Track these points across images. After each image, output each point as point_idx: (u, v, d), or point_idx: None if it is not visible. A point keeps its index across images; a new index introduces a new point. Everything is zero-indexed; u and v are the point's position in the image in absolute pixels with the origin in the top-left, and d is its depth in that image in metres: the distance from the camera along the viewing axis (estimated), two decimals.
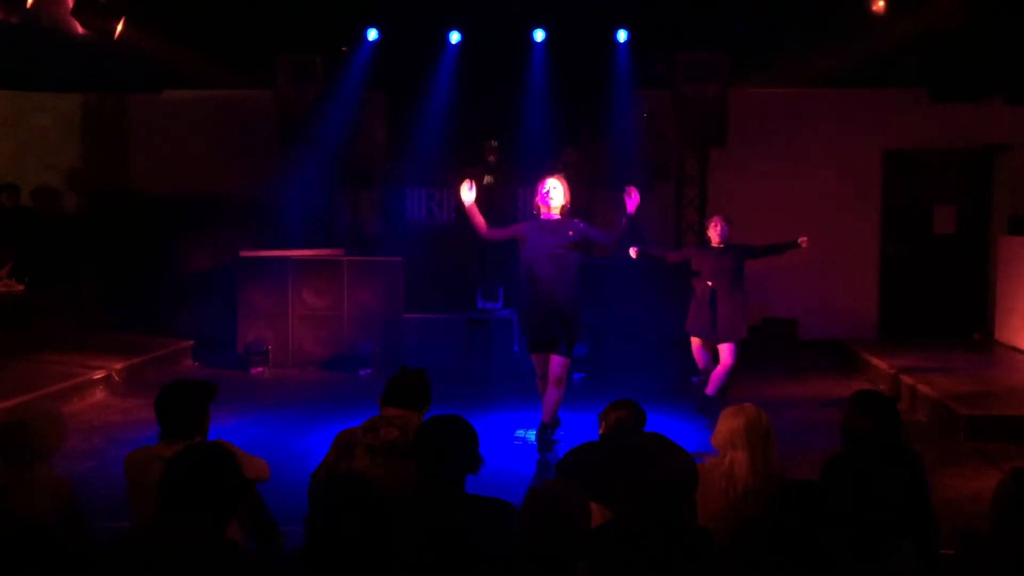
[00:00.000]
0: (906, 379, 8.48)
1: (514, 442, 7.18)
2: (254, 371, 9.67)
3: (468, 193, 6.60)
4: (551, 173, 6.88)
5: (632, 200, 6.50)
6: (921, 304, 11.19)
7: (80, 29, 8.67)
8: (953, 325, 10.92)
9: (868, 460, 3.85)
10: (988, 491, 3.47)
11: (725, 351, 7.63)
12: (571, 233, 6.58)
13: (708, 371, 7.80)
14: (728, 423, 3.92)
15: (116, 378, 8.83)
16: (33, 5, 8.00)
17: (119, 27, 8.89)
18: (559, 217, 6.65)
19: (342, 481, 2.96)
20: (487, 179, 11.00)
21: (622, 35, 10.34)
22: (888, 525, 3.50)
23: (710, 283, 7.70)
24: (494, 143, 10.88)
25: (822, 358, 9.69)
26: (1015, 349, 9.91)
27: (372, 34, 10.50)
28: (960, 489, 5.94)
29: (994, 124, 10.88)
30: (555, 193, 6.63)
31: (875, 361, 9.39)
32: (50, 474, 3.80)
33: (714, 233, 7.85)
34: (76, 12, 8.51)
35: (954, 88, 10.56)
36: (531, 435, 7.34)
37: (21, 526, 2.85)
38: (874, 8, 8.47)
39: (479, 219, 6.67)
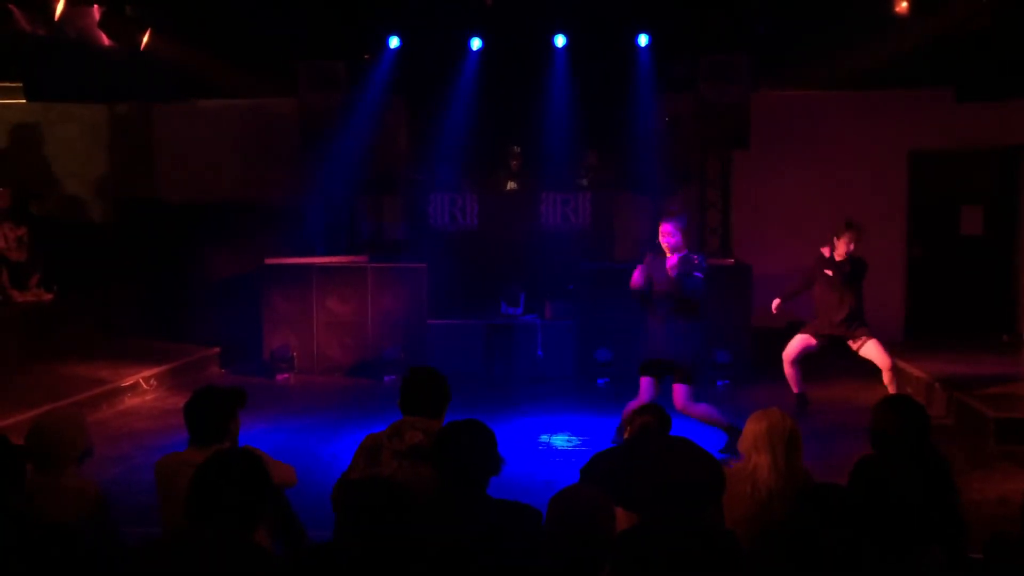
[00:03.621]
0: (933, 381, 8.41)
1: (538, 447, 7.18)
2: (280, 377, 9.73)
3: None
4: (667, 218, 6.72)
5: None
6: (948, 305, 11.08)
7: (106, 40, 8.78)
8: (981, 326, 10.81)
9: (896, 464, 3.83)
10: (1017, 494, 3.45)
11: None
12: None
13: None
14: (752, 427, 3.92)
15: (144, 385, 8.92)
16: (60, 17, 8.10)
17: (145, 38, 9.00)
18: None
19: (370, 486, 2.98)
20: (510, 184, 11.02)
21: (643, 39, 10.35)
22: (916, 529, 3.48)
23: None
24: (516, 148, 10.90)
25: (848, 360, 9.59)
26: None
27: (394, 41, 10.56)
28: (988, 492, 5.89)
29: (1020, 124, 10.76)
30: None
31: (902, 363, 9.29)
32: (80, 479, 3.84)
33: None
34: (103, 24, 8.63)
35: (979, 88, 10.46)
36: (555, 440, 7.35)
37: (52, 530, 2.90)
38: (897, 9, 8.43)
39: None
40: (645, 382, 6.69)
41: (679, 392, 6.58)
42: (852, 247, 7.74)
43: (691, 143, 10.73)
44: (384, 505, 2.84)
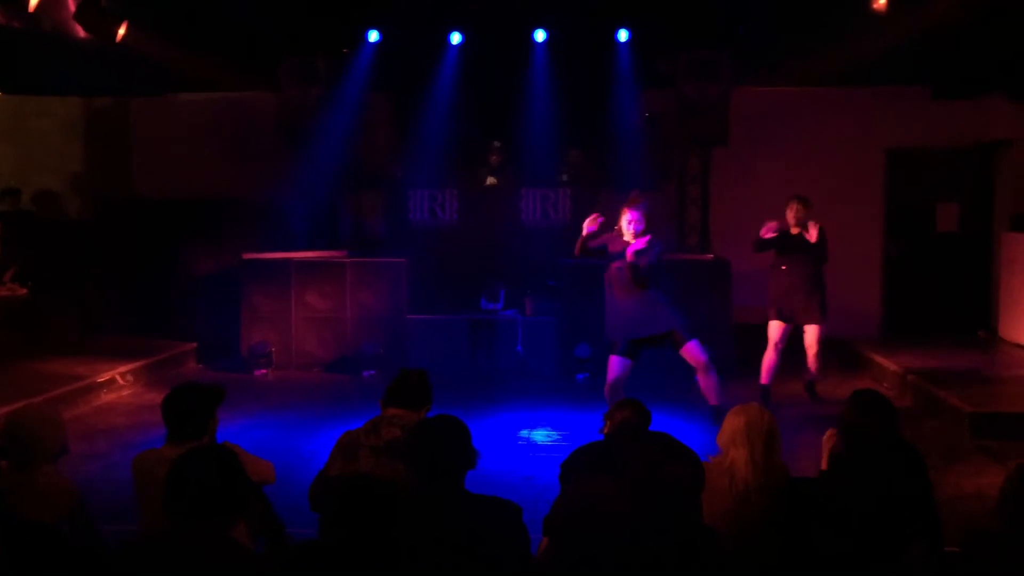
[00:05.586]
0: (910, 377, 8.48)
1: (518, 442, 7.18)
2: (258, 373, 9.68)
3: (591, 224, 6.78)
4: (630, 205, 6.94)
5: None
6: (925, 302, 11.18)
7: (82, 33, 8.69)
8: (957, 323, 10.91)
9: (868, 458, 3.87)
10: (993, 488, 3.47)
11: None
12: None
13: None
14: (730, 422, 3.94)
15: (120, 381, 8.85)
16: (35, 9, 8.01)
17: (121, 31, 8.92)
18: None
19: (353, 484, 2.96)
20: (490, 180, 11.01)
21: (623, 35, 10.36)
22: (891, 522, 3.51)
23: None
24: (497, 144, 10.89)
25: (826, 357, 9.69)
26: (1019, 346, 9.90)
27: (373, 35, 10.52)
28: (965, 486, 5.94)
29: (995, 121, 10.87)
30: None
31: (879, 359, 9.39)
32: (56, 477, 3.80)
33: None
34: (78, 16, 8.54)
35: (955, 85, 10.56)
36: (535, 435, 7.36)
37: (33, 527, 2.87)
38: (875, 6, 8.48)
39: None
40: (622, 363, 6.88)
41: (696, 347, 6.83)
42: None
43: (671, 139, 10.76)
44: (367, 502, 2.82)
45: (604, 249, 6.87)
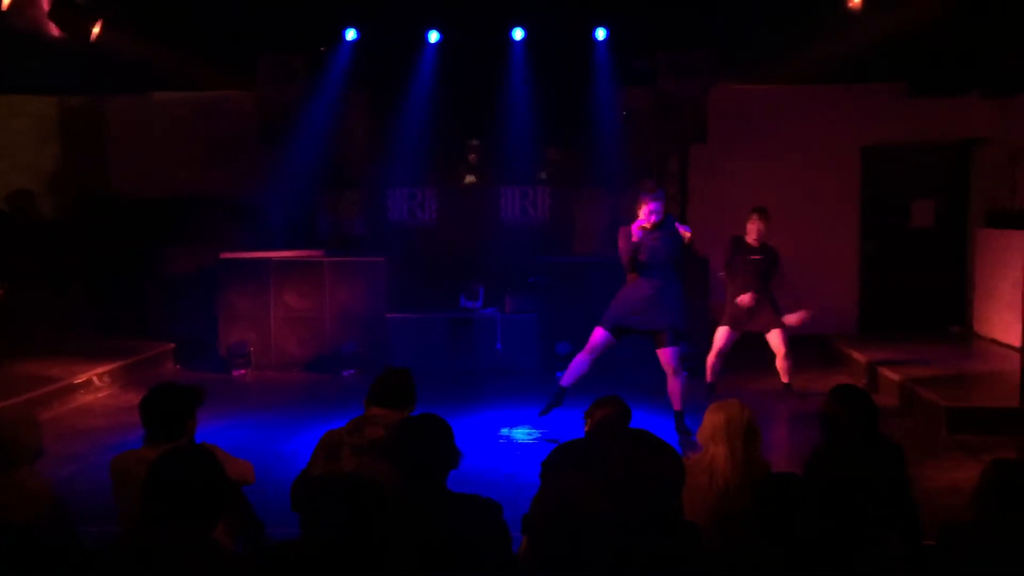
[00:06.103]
0: (886, 372, 8.55)
1: (499, 440, 7.19)
2: (236, 373, 9.64)
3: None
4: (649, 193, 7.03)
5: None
6: (900, 298, 11.26)
7: (56, 32, 8.61)
8: (932, 318, 11.01)
9: (848, 453, 3.90)
10: (968, 483, 3.51)
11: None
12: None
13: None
14: (711, 418, 3.96)
15: (98, 382, 8.78)
16: (9, 7, 7.93)
17: (96, 29, 8.84)
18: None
19: (340, 482, 2.95)
20: (468, 178, 11.00)
21: (601, 33, 10.38)
22: (870, 516, 3.54)
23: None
24: (475, 142, 10.87)
25: (803, 353, 9.75)
26: (994, 341, 10.00)
27: (351, 34, 10.48)
28: (940, 481, 5.99)
29: (971, 118, 10.96)
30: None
31: (855, 355, 9.46)
32: (34, 479, 3.77)
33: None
34: (52, 14, 8.46)
35: (931, 83, 10.64)
36: (516, 433, 7.37)
37: (11, 530, 2.85)
38: (850, 5, 8.54)
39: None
40: (606, 337, 7.02)
41: (671, 354, 6.92)
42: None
43: (650, 137, 10.77)
44: (352, 502, 2.82)
45: (637, 250, 6.92)
